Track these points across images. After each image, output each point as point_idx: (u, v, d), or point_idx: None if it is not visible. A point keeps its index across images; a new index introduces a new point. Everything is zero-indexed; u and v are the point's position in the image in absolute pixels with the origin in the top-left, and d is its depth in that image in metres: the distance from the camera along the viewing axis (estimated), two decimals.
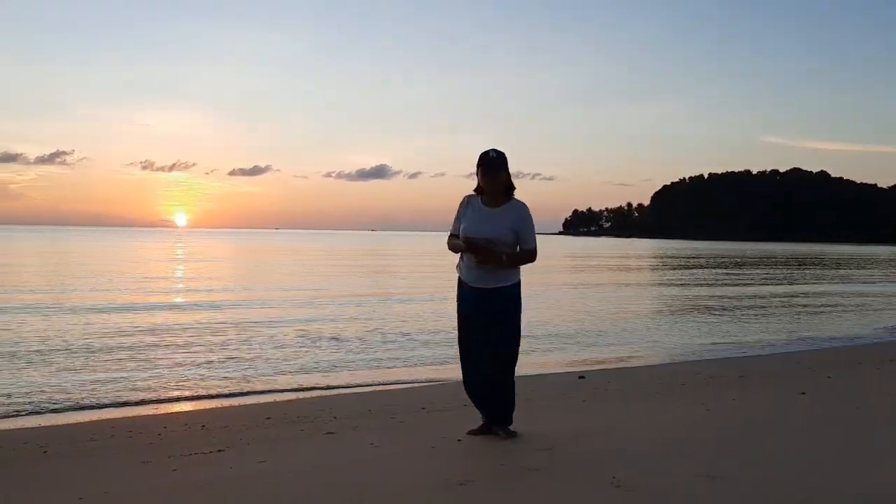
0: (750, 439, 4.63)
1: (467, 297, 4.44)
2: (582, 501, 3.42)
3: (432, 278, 26.28)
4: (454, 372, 6.65)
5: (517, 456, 4.19)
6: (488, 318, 4.38)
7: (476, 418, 4.69)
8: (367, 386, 7.96)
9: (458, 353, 4.58)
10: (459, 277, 4.51)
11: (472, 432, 4.62)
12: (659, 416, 5.53)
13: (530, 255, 4.43)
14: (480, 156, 4.40)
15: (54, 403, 7.02)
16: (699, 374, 7.91)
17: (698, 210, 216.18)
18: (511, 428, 4.59)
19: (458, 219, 4.48)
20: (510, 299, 4.42)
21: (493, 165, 4.36)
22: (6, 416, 6.61)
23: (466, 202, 4.48)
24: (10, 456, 4.81)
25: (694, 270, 36.45)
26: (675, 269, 38.73)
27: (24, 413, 6.71)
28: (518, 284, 4.47)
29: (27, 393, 7.39)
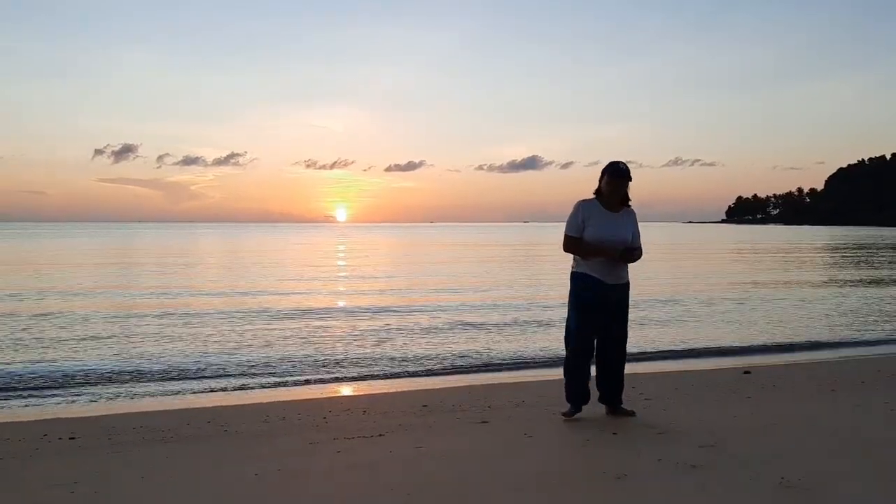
0: None
1: (604, 292, 4.84)
2: (747, 501, 3.25)
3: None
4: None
5: (677, 451, 4.06)
6: (616, 308, 4.91)
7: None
8: (518, 374, 8.00)
9: (573, 347, 4.96)
10: (585, 275, 4.89)
11: (567, 416, 5.05)
12: (830, 415, 5.15)
13: (639, 254, 4.98)
14: (610, 166, 4.87)
15: (232, 382, 7.64)
16: (880, 372, 7.27)
17: (881, 194, 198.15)
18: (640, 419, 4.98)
19: (579, 221, 4.85)
20: (629, 291, 5.02)
21: (625, 175, 4.84)
22: (197, 392, 7.25)
23: (586, 206, 4.87)
24: (194, 433, 5.28)
25: (878, 262, 33.41)
26: (854, 259, 35.69)
27: (205, 391, 7.35)
28: None
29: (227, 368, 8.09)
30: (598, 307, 4.84)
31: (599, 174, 4.92)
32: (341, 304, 15.74)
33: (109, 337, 10.75)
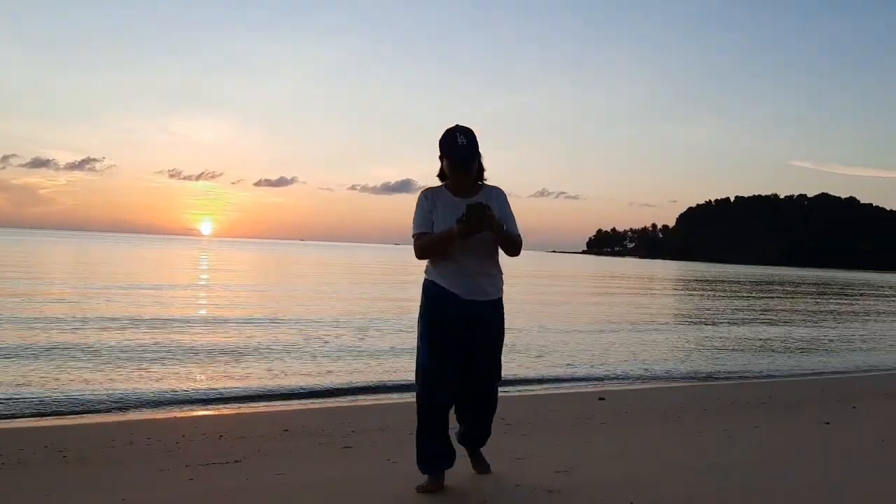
0: (771, 470, 4.54)
1: (455, 313, 3.59)
2: None
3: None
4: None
5: (535, 477, 4.15)
6: (480, 333, 3.65)
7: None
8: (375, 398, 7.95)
9: (423, 374, 3.68)
10: (435, 287, 3.65)
11: (431, 487, 3.77)
12: (676, 441, 5.45)
13: (520, 241, 3.70)
14: (445, 139, 3.57)
15: (70, 405, 7.09)
16: (720, 400, 7.79)
17: (725, 233, 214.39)
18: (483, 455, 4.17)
19: (424, 217, 3.63)
20: (501, 310, 3.76)
21: (464, 158, 3.55)
22: (16, 415, 6.67)
23: (431, 196, 3.66)
24: (28, 458, 4.85)
25: (724, 293, 36.04)
26: (703, 291, 38.33)
27: (33, 414, 6.78)
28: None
29: (43, 392, 7.47)
30: (452, 330, 3.57)
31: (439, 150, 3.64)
32: (193, 316, 15.07)
33: None
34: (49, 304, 16.26)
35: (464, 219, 3.39)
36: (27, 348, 10.18)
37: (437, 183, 3.79)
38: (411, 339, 12.33)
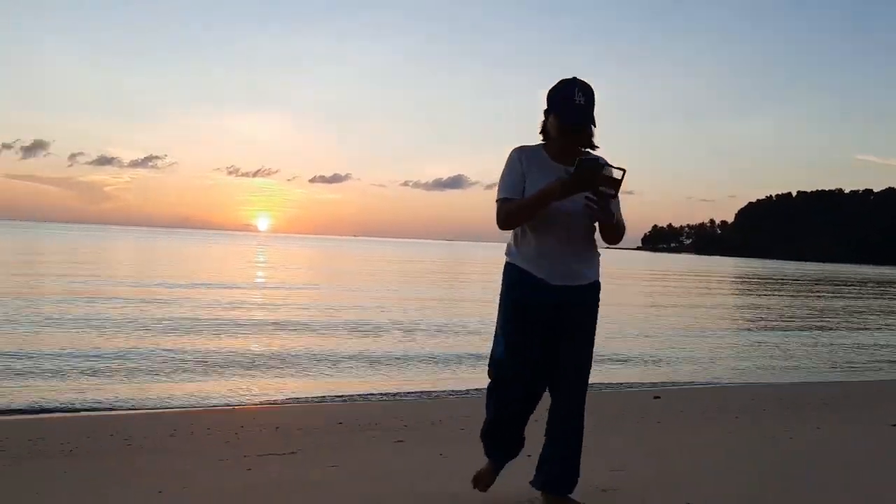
0: (832, 473, 4.41)
1: (542, 300, 3.02)
2: None
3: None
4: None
5: (590, 475, 4.11)
6: (571, 323, 3.07)
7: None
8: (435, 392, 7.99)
9: (498, 369, 3.17)
10: (518, 271, 3.08)
11: (482, 482, 3.45)
12: (736, 441, 5.34)
13: (623, 227, 3.11)
14: (560, 92, 2.93)
15: (140, 398, 7.33)
16: (782, 400, 7.59)
17: (786, 229, 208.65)
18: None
19: (515, 180, 3.01)
20: (597, 298, 3.15)
21: (579, 119, 2.92)
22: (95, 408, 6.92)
23: (525, 156, 3.04)
24: (96, 447, 5.03)
25: (784, 292, 35.10)
26: (762, 289, 37.39)
27: (102, 407, 7.02)
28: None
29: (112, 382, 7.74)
30: (537, 320, 3.03)
31: (546, 104, 3.00)
32: (259, 313, 15.39)
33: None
34: (128, 303, 16.80)
35: (572, 173, 2.80)
36: (99, 350, 10.55)
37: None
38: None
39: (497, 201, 3.03)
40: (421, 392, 8.14)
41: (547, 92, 2.99)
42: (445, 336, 12.91)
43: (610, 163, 2.88)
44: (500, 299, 3.17)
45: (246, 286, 23.82)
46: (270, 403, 7.46)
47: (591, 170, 2.79)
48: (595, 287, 3.13)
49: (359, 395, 7.86)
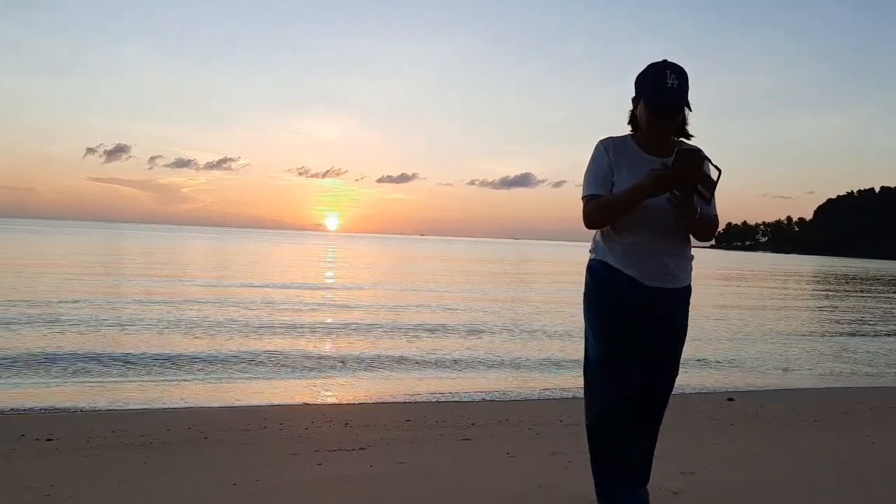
0: None
1: (634, 302, 2.78)
2: None
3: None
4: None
5: (660, 477, 4.04)
6: (664, 327, 2.86)
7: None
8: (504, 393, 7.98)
9: (594, 382, 2.90)
10: (607, 270, 2.83)
11: None
12: (812, 446, 5.16)
13: (717, 222, 2.86)
14: (649, 77, 2.70)
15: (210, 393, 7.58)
16: (864, 404, 7.29)
17: (868, 226, 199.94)
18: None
19: (602, 175, 2.78)
20: (688, 306, 2.95)
21: (672, 104, 2.69)
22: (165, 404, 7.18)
23: (613, 149, 2.80)
24: (174, 439, 5.22)
25: (868, 293, 33.67)
26: (844, 289, 35.97)
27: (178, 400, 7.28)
28: None
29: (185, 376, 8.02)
30: (629, 325, 2.81)
31: (634, 90, 2.78)
32: (331, 314, 15.67)
33: (94, 331, 10.66)
34: (207, 304, 17.36)
35: (669, 166, 2.59)
36: (179, 349, 10.93)
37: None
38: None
39: (583, 198, 2.80)
40: (487, 392, 8.15)
41: (634, 78, 2.77)
42: (513, 337, 12.88)
43: (708, 157, 2.65)
44: (586, 300, 2.92)
45: (319, 287, 24.27)
46: (340, 401, 7.59)
47: (692, 162, 2.56)
48: (688, 293, 2.91)
49: (426, 393, 7.92)
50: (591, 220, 2.80)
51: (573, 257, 66.03)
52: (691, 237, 2.88)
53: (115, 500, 3.62)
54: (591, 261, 2.92)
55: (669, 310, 2.86)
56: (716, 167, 2.68)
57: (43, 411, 6.48)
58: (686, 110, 2.77)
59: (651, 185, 2.61)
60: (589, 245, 2.97)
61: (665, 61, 2.70)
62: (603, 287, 2.84)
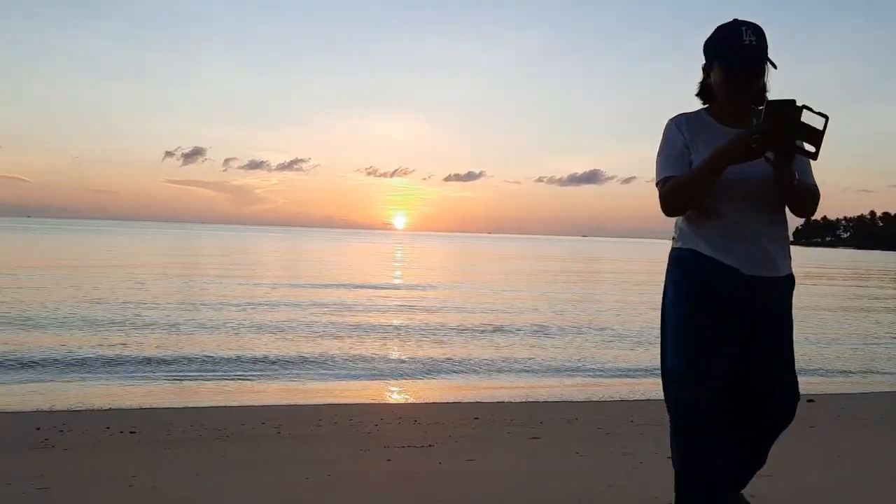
0: None
1: (731, 295, 2.37)
2: None
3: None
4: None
5: None
6: (771, 325, 2.45)
7: None
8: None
9: (677, 386, 2.46)
10: (697, 258, 2.43)
11: None
12: (893, 452, 4.93)
13: (818, 194, 2.46)
14: (722, 36, 2.34)
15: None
16: None
17: None
18: None
19: (677, 154, 2.42)
20: (792, 293, 2.52)
21: (752, 61, 2.29)
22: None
23: (686, 125, 2.45)
24: (249, 433, 5.37)
25: None
26: None
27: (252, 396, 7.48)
28: None
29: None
30: (724, 322, 2.39)
31: (704, 57, 2.44)
32: (401, 313, 15.84)
33: (172, 327, 11.06)
34: (280, 307, 17.80)
35: (759, 123, 2.13)
36: (252, 350, 11.24)
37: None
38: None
39: (658, 183, 2.43)
40: (556, 391, 8.10)
41: (703, 45, 2.43)
42: (584, 338, 12.75)
43: (808, 105, 2.11)
44: (670, 295, 2.52)
45: (388, 287, 24.54)
46: (408, 399, 7.67)
47: (787, 113, 2.08)
48: (791, 283, 2.49)
49: (495, 392, 7.92)
50: (668, 203, 2.39)
51: (645, 254, 64.84)
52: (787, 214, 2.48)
53: (193, 491, 3.75)
54: (675, 250, 2.52)
55: (773, 303, 2.44)
56: (820, 114, 2.13)
57: (123, 408, 6.77)
58: (768, 69, 2.35)
59: (737, 148, 2.20)
60: (667, 237, 2.63)
61: (736, 19, 2.33)
62: (692, 279, 2.43)
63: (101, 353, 9.24)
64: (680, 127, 2.45)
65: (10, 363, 8.47)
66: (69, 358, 8.89)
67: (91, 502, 3.54)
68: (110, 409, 6.51)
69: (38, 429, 5.32)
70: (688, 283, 2.44)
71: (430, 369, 9.16)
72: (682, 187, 2.35)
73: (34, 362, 8.57)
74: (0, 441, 4.93)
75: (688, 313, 2.43)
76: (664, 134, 2.48)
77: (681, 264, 2.48)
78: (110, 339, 10.34)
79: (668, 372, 2.52)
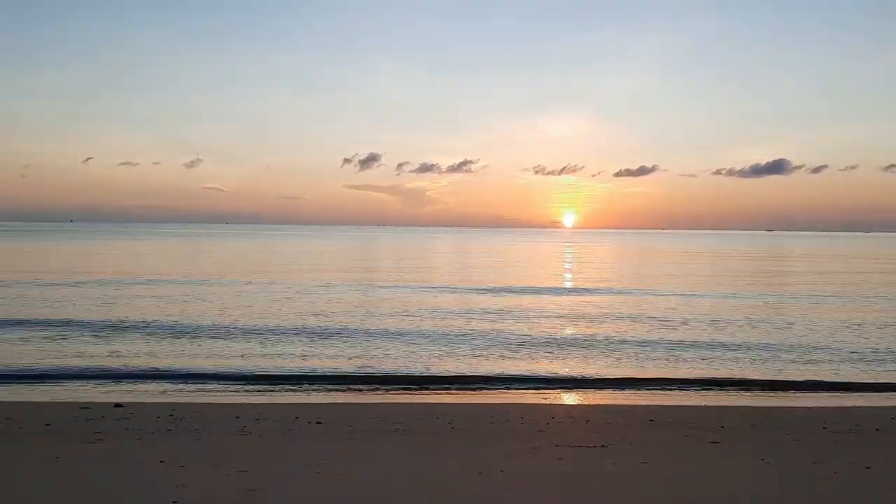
0: None
1: None
2: None
3: None
4: None
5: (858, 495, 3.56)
6: None
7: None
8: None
9: None
10: None
11: None
12: None
13: None
14: None
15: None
16: None
17: None
18: None
19: None
20: None
21: None
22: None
23: None
24: (425, 428, 5.57)
25: None
26: None
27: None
28: None
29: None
30: None
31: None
32: (578, 311, 15.66)
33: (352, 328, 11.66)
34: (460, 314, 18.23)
35: None
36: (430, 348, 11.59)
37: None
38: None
39: None
40: (737, 395, 7.70)
41: None
42: (771, 343, 11.97)
43: None
44: None
45: (560, 291, 24.32)
46: (580, 400, 7.59)
47: None
48: None
49: (672, 393, 7.66)
50: None
51: (852, 249, 59.22)
52: None
53: (375, 478, 3.95)
54: None
55: None
56: None
57: (311, 402, 7.24)
58: None
59: None
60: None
61: None
62: None
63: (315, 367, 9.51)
64: None
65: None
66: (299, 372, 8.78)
67: (283, 484, 3.84)
68: (298, 404, 6.99)
69: (238, 417, 5.83)
70: None
71: (602, 372, 8.98)
72: None
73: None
74: (206, 427, 5.47)
75: None
76: None
77: None
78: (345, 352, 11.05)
79: None
